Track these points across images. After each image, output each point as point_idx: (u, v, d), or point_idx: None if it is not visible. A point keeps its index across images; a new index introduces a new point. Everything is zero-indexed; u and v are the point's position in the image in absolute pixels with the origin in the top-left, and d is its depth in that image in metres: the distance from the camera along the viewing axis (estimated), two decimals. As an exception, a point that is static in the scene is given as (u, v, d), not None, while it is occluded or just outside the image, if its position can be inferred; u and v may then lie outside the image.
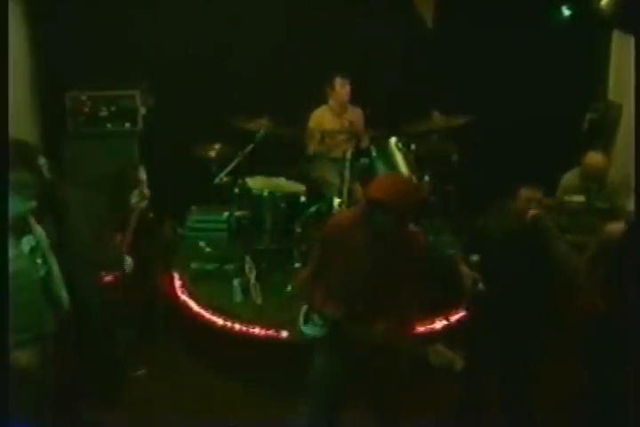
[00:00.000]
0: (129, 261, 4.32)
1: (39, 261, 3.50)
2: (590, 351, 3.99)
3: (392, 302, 3.34)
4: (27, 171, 3.50)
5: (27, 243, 3.45)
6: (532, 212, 3.87)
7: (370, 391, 3.69)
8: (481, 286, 3.88)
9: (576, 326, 4.17)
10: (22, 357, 3.30)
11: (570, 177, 5.41)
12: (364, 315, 3.36)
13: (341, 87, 5.87)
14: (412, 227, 3.48)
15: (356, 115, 6.03)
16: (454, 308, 4.90)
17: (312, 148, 5.89)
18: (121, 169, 4.66)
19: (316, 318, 3.50)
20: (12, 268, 3.29)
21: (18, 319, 3.32)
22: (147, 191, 4.55)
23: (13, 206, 3.32)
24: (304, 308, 3.60)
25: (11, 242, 3.34)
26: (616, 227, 3.86)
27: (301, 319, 3.58)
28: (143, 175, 4.58)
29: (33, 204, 3.41)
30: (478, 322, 4.12)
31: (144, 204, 4.60)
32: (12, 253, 3.33)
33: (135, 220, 4.36)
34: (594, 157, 5.15)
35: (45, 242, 3.55)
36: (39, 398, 3.51)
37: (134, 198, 4.44)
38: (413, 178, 5.26)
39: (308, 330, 3.55)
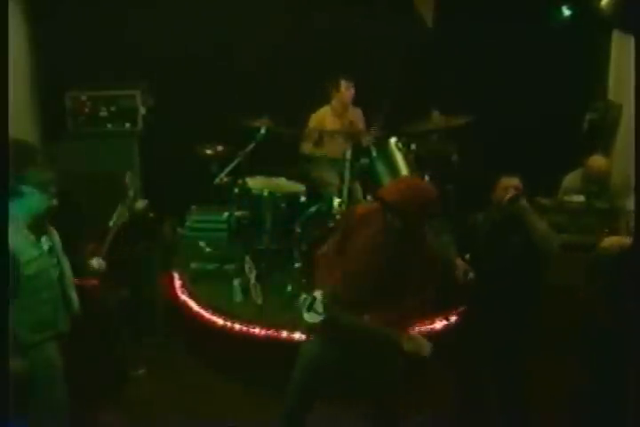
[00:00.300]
0: (102, 264, 4.09)
1: (54, 261, 3.50)
2: (588, 348, 3.99)
3: (395, 297, 3.34)
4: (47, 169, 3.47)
5: (44, 243, 3.45)
6: (508, 195, 3.91)
7: (361, 386, 3.67)
8: (471, 275, 3.98)
9: (571, 323, 4.18)
10: (17, 363, 3.29)
11: (572, 178, 5.40)
12: (364, 306, 3.37)
13: (346, 90, 5.89)
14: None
15: (356, 115, 6.04)
16: (454, 308, 4.90)
17: (307, 147, 5.87)
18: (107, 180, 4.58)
19: (317, 306, 3.51)
20: (35, 268, 3.29)
21: (37, 319, 3.31)
22: (134, 204, 4.42)
23: (37, 204, 3.31)
24: (306, 296, 3.61)
25: (32, 242, 3.33)
26: (614, 240, 3.88)
27: (304, 307, 3.58)
28: (131, 192, 4.46)
29: (55, 202, 3.40)
30: (472, 318, 4.15)
31: (142, 204, 4.57)
32: (35, 252, 3.32)
33: (112, 237, 4.20)
34: (597, 160, 5.14)
35: (59, 242, 3.54)
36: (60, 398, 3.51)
37: (114, 217, 4.31)
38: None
39: (310, 318, 3.55)
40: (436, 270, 3.42)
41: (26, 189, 3.26)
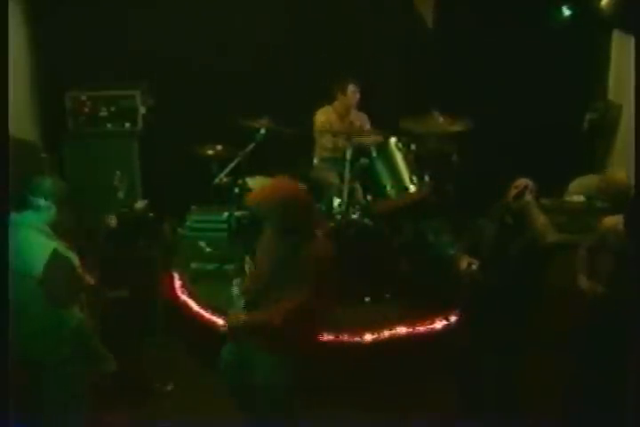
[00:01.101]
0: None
1: None
2: (589, 347, 3.99)
3: (275, 296, 3.41)
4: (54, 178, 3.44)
5: None
6: (514, 192, 3.99)
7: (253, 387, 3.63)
8: (474, 267, 4.00)
9: (571, 323, 4.19)
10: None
11: (581, 184, 5.35)
12: (255, 304, 3.51)
13: (353, 94, 5.90)
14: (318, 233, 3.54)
15: (360, 118, 6.04)
16: (454, 308, 4.90)
17: (325, 147, 5.93)
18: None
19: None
20: (79, 271, 3.29)
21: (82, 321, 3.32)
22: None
23: (54, 217, 3.29)
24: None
25: (67, 247, 3.32)
26: (616, 218, 3.89)
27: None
28: (121, 193, 4.28)
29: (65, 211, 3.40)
30: (473, 318, 4.16)
31: (142, 204, 4.50)
32: (74, 256, 3.31)
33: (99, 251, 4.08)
34: (618, 173, 5.06)
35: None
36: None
37: (102, 228, 4.15)
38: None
39: None
40: (319, 270, 3.36)
41: (43, 202, 3.22)
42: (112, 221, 4.12)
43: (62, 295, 3.13)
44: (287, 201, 3.41)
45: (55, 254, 3.11)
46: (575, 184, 5.44)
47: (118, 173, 4.33)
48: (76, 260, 3.26)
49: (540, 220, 3.98)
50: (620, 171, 5.03)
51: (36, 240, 3.13)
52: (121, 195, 4.26)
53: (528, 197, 4.00)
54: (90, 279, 3.57)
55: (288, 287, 3.36)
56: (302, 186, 3.95)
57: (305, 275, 3.33)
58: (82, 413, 3.43)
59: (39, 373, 3.21)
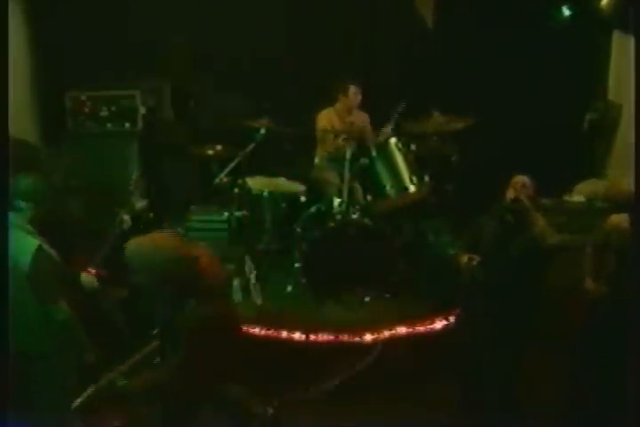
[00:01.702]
0: (92, 282, 3.91)
1: None
2: (589, 347, 4.00)
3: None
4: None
5: None
6: (511, 195, 4.00)
7: None
8: (476, 262, 4.01)
9: (572, 323, 4.20)
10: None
11: (587, 190, 5.34)
12: None
13: (355, 95, 5.89)
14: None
15: (361, 118, 6.03)
16: (454, 308, 4.90)
17: (326, 147, 5.92)
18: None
19: None
20: None
21: None
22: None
23: (36, 214, 3.31)
24: None
25: None
26: (622, 217, 3.89)
27: None
28: (136, 197, 4.32)
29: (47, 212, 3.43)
30: (474, 317, 4.16)
31: (142, 204, 4.50)
32: None
33: (109, 246, 4.03)
34: (624, 181, 5.06)
35: None
36: None
37: (116, 226, 4.11)
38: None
39: None
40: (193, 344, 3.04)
41: (20, 204, 3.25)
42: (127, 221, 4.14)
43: (48, 290, 3.15)
44: (167, 267, 2.90)
45: (40, 250, 3.15)
46: (580, 189, 5.43)
47: (134, 177, 4.33)
48: (57, 256, 3.28)
49: (539, 223, 3.98)
50: (624, 177, 5.04)
51: (19, 236, 3.16)
52: (136, 199, 4.27)
53: (525, 201, 3.99)
54: (103, 273, 3.69)
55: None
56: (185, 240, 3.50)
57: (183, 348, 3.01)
58: (70, 404, 3.45)
59: (27, 364, 3.23)
